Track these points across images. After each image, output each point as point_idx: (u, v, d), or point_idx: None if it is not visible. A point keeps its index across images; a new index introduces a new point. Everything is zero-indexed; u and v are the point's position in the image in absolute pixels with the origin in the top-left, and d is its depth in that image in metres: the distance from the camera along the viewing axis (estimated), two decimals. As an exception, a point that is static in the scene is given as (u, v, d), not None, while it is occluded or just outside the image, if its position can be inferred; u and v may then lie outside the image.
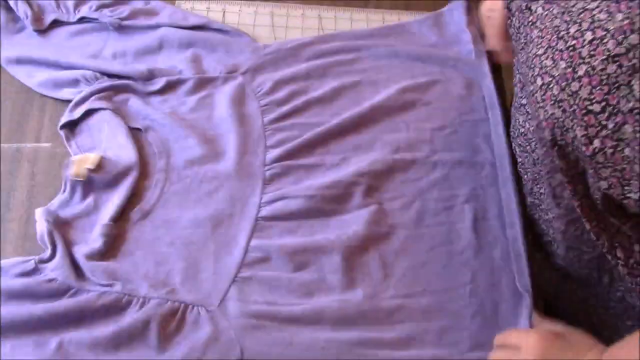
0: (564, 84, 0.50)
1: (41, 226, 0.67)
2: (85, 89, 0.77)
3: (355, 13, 0.91)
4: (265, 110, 0.80)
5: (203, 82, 0.80)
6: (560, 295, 0.76)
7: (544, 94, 0.52)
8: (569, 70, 0.49)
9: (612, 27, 0.46)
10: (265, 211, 0.72)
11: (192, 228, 0.70)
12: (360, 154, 0.77)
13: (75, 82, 0.78)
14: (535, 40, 0.56)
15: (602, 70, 0.47)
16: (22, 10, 0.81)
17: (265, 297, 0.67)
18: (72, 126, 0.76)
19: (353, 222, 0.72)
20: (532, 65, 0.55)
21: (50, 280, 0.64)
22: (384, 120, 0.80)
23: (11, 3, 0.81)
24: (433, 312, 0.68)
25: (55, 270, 0.64)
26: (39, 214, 0.68)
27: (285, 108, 0.80)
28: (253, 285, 0.67)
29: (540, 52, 0.54)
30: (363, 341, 0.65)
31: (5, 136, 0.75)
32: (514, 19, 0.63)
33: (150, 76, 0.79)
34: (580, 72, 0.48)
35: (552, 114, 0.52)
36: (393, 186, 0.75)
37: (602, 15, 0.48)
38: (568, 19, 0.51)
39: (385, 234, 0.72)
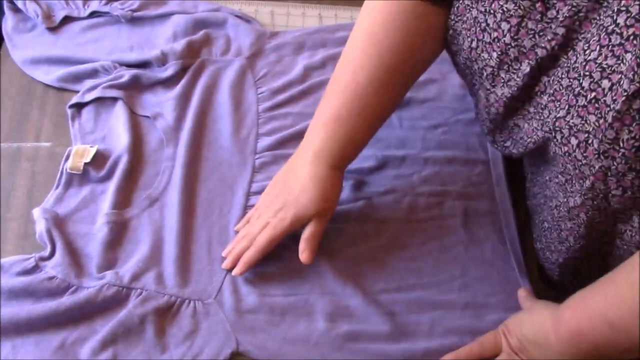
0: (600, 135, 0.50)
1: (39, 225, 0.67)
2: (104, 78, 0.78)
3: (355, 12, 0.92)
4: (262, 97, 0.81)
5: (209, 65, 0.82)
6: None
7: (584, 151, 0.52)
8: (601, 120, 0.49)
9: (624, 69, 0.47)
10: (255, 199, 0.73)
11: (187, 217, 0.71)
12: None
13: (94, 73, 0.79)
14: (549, 105, 0.56)
15: (627, 109, 0.47)
16: (31, 9, 0.82)
17: (258, 288, 0.67)
18: (80, 107, 0.77)
19: (342, 216, 0.73)
20: (557, 129, 0.55)
21: (51, 278, 0.64)
22: (378, 117, 0.81)
23: (19, 4, 0.82)
24: (424, 305, 0.68)
25: (56, 268, 0.65)
26: (37, 213, 0.68)
27: (281, 97, 0.81)
28: (246, 275, 0.68)
29: (561, 114, 0.54)
30: (355, 335, 0.65)
31: (5, 136, 0.76)
32: (492, 109, 0.63)
33: (164, 59, 0.80)
34: (610, 119, 0.49)
35: (601, 166, 0.52)
36: (384, 181, 0.76)
37: (611, 61, 0.48)
38: (575, 75, 0.52)
39: (374, 229, 0.72)
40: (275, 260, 0.69)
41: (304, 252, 0.67)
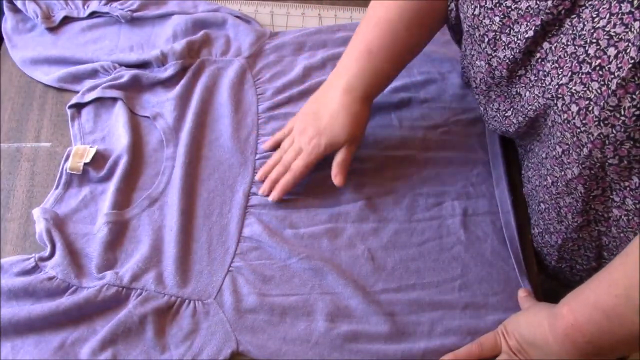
0: (602, 102, 0.50)
1: (39, 225, 0.67)
2: (104, 78, 0.78)
3: (355, 12, 0.92)
4: (261, 97, 0.81)
5: (209, 65, 0.82)
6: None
7: (583, 118, 0.53)
8: (604, 88, 0.50)
9: (632, 37, 0.47)
10: (255, 200, 0.73)
11: (187, 217, 0.71)
12: None
13: (94, 73, 0.79)
14: (552, 72, 0.56)
15: (632, 77, 0.47)
16: (31, 9, 0.82)
17: (258, 288, 0.67)
18: (79, 107, 0.77)
19: (342, 216, 0.73)
20: (559, 95, 0.55)
21: (51, 278, 0.64)
22: (378, 117, 0.81)
23: (19, 4, 0.83)
24: (424, 305, 0.68)
25: (55, 268, 0.65)
26: (37, 213, 0.68)
27: (280, 97, 0.81)
28: (246, 276, 0.68)
29: (564, 81, 0.54)
30: (355, 335, 0.65)
31: (5, 136, 0.76)
32: (497, 72, 0.64)
33: (164, 59, 0.80)
34: (613, 87, 0.49)
35: (600, 133, 0.52)
36: (384, 181, 0.76)
37: (619, 29, 0.48)
38: (581, 42, 0.52)
39: (374, 229, 0.72)
40: (274, 261, 0.69)
41: (337, 177, 0.72)
